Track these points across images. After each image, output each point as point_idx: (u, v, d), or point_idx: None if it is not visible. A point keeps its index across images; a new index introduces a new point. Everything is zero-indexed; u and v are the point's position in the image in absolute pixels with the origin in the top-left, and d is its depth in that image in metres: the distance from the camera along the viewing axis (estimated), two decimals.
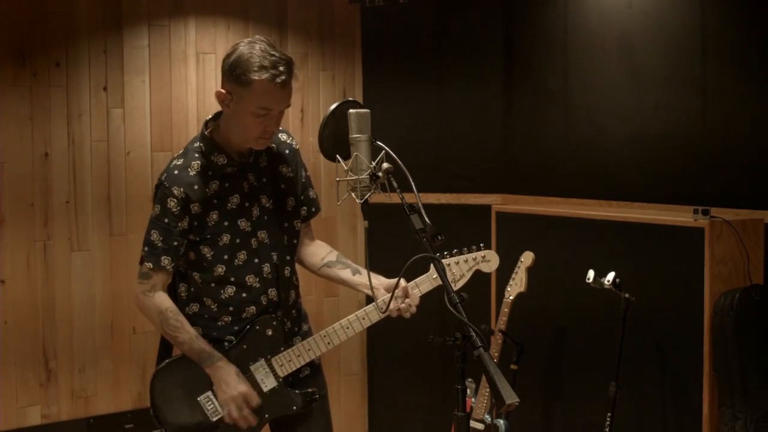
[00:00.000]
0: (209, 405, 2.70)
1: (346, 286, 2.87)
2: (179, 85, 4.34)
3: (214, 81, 4.41)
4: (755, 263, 3.33)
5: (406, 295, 2.66)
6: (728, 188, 3.51)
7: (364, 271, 2.79)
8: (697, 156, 3.62)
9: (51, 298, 4.08)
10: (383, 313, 2.61)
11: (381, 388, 4.83)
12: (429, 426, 4.64)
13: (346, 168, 2.38)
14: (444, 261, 2.69)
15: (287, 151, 2.81)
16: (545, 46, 4.29)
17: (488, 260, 2.72)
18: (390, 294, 2.53)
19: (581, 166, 4.13)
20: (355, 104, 2.46)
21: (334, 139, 2.44)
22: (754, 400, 3.19)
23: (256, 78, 2.51)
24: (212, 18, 4.41)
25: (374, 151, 2.39)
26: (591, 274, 3.34)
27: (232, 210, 2.67)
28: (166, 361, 2.75)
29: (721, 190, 3.52)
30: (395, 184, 2.36)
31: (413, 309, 2.67)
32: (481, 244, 2.74)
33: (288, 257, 2.79)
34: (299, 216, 2.83)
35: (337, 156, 2.42)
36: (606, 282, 3.30)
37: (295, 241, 2.82)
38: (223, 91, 2.60)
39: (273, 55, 2.54)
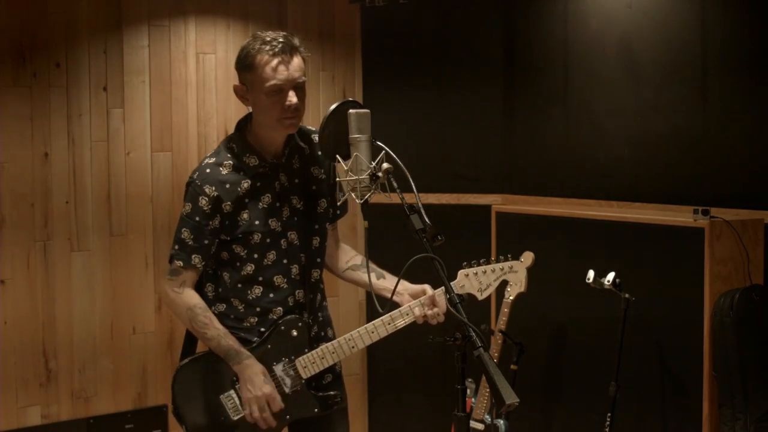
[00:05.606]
0: (231, 404, 2.68)
1: (369, 290, 2.86)
2: (179, 85, 4.34)
3: (213, 81, 4.41)
4: (755, 263, 3.33)
5: (433, 303, 2.66)
6: (728, 188, 3.51)
7: (389, 276, 2.81)
8: (697, 156, 3.62)
9: (51, 298, 4.08)
10: (382, 311, 2.60)
11: (381, 388, 4.83)
12: (429, 426, 4.64)
13: (346, 168, 2.38)
14: (471, 270, 2.71)
15: (320, 153, 2.78)
16: (545, 45, 4.29)
17: (515, 270, 2.74)
18: (391, 295, 2.53)
19: (581, 166, 4.13)
20: (355, 104, 2.46)
21: (334, 139, 2.44)
22: (754, 400, 3.19)
23: (258, 55, 2.57)
24: (212, 18, 4.41)
25: (374, 151, 2.39)
26: (591, 274, 3.34)
27: (263, 209, 2.66)
28: (189, 358, 2.74)
29: (721, 190, 3.52)
30: (395, 184, 2.36)
31: (441, 317, 2.67)
32: (509, 255, 2.75)
33: (318, 259, 2.79)
34: (329, 218, 2.83)
35: (337, 156, 2.42)
36: (606, 282, 3.29)
37: (324, 243, 2.81)
38: (238, 84, 2.65)
39: (270, 34, 2.61)
